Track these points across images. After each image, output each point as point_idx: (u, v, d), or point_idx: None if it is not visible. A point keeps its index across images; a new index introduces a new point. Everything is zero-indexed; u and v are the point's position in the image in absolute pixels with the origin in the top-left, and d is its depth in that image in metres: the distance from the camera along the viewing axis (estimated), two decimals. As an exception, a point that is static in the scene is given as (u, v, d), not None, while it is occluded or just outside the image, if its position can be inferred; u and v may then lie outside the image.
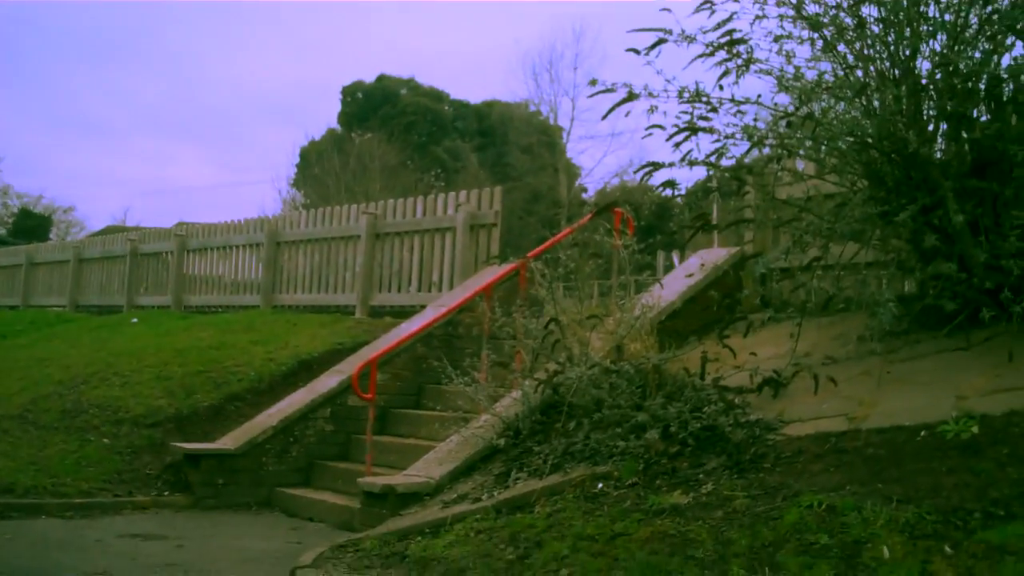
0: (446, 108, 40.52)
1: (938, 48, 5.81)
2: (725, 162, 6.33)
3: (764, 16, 6.05)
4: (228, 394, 9.12)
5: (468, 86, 79.15)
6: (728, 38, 6.09)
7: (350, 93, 40.37)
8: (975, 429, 4.41)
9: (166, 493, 7.91)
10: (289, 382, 9.26)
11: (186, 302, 15.14)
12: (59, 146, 75.71)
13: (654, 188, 21.61)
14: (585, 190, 40.26)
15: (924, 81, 5.88)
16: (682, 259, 11.06)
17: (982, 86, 5.81)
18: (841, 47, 6.07)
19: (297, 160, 38.24)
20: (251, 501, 8.01)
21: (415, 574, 4.89)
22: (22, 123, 74.60)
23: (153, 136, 77.21)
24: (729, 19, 6.05)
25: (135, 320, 14.26)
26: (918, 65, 5.88)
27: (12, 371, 11.46)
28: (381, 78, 40.23)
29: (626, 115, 6.71)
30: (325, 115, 79.24)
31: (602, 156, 71.51)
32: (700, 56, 6.13)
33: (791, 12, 6.02)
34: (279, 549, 6.34)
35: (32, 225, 43.40)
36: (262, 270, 13.68)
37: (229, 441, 8.19)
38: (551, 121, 40.86)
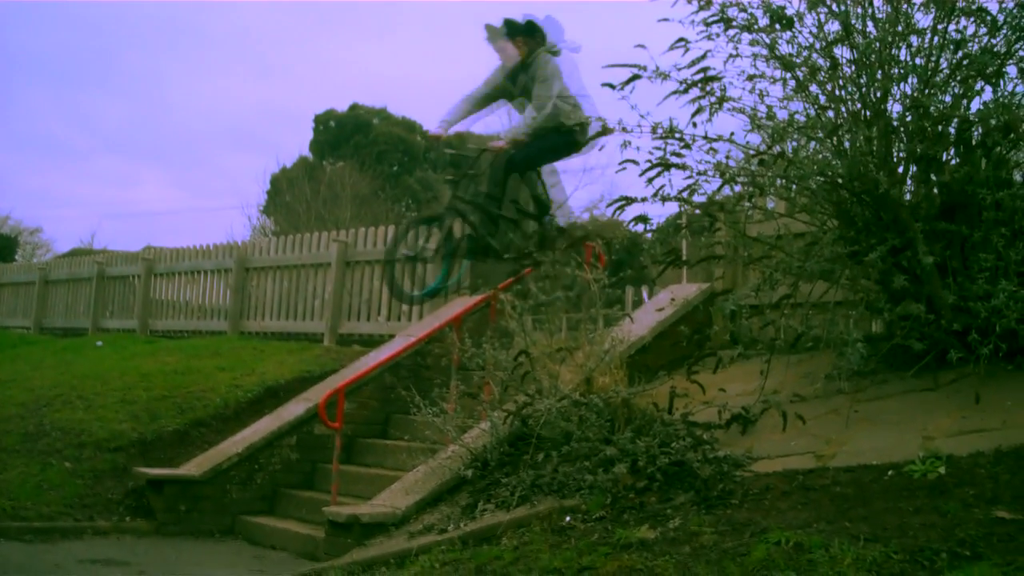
0: (419, 139, 40.53)
1: (909, 91, 5.90)
2: (697, 198, 6.38)
3: (738, 55, 6.13)
4: (193, 420, 9.02)
5: (440, 116, 79.18)
6: (702, 75, 6.14)
7: (322, 121, 40.27)
8: (942, 470, 4.44)
9: (128, 519, 7.81)
10: (255, 409, 9.17)
11: (152, 326, 15.00)
12: (23, 166, 75.02)
13: (625, 223, 21.66)
14: (556, 223, 40.36)
15: (895, 123, 5.95)
16: (651, 294, 11.11)
17: (952, 130, 5.90)
18: (813, 88, 6.14)
19: (267, 187, 38.07)
20: (214, 529, 7.91)
21: (379, 605, 4.85)
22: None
23: (116, 158, 76.52)
24: (703, 57, 6.12)
25: (100, 343, 14.11)
26: (889, 107, 5.97)
27: (-27, 393, 11.31)
28: (354, 107, 40.18)
29: (600, 149, 6.76)
30: (295, 142, 79.04)
31: (573, 190, 71.71)
32: (674, 93, 6.18)
33: (764, 52, 6.09)
34: (241, 577, 6.28)
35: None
36: (230, 296, 13.59)
37: (193, 467, 8.11)
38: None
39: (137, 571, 6.32)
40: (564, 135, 8.13)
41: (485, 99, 8.47)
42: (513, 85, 8.30)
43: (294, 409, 8.67)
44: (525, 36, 8.14)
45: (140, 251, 16.84)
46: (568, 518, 5.14)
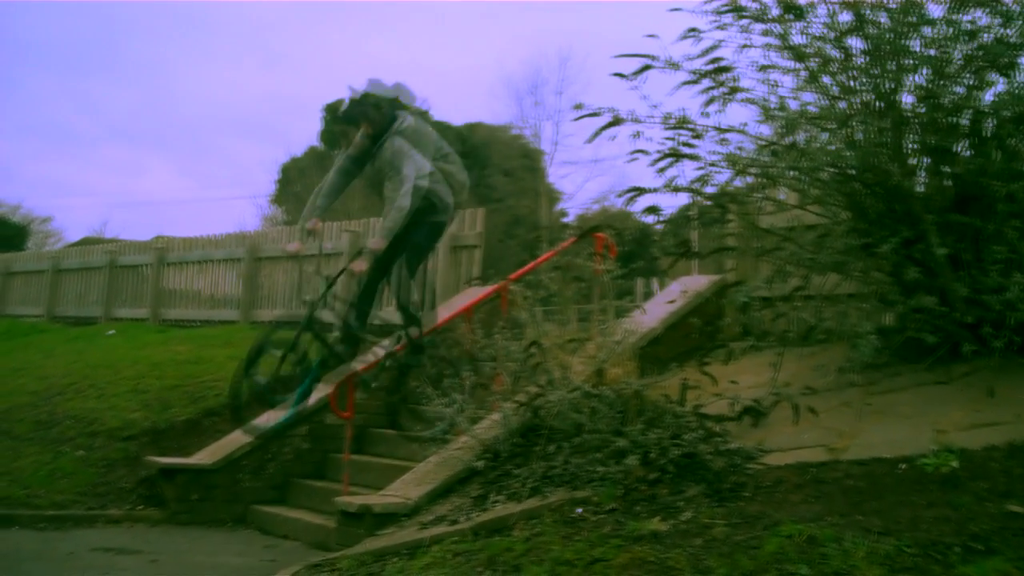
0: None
1: (922, 82, 5.87)
2: (708, 189, 6.37)
3: (750, 45, 6.10)
4: (204, 409, 9.06)
5: (451, 107, 79.19)
6: (714, 66, 6.12)
7: (332, 111, 40.22)
8: (955, 463, 4.43)
9: (140, 507, 7.85)
10: (267, 399, 9.19)
11: (164, 315, 15.05)
12: (31, 154, 75.31)
13: (635, 214, 21.63)
14: (566, 214, 40.31)
15: (907, 114, 5.92)
16: (662, 286, 11.09)
17: (965, 121, 5.86)
18: (826, 78, 6.11)
19: (278, 176, 38.09)
20: (226, 517, 7.95)
21: (391, 596, 4.86)
22: (-8, 131, 74.22)
23: (124, 147, 76.94)
24: (715, 47, 6.10)
25: (112, 332, 14.17)
26: (902, 98, 5.93)
27: (-16, 380, 11.37)
28: (364, 96, 40.13)
29: (612, 139, 6.73)
30: (304, 132, 79.16)
31: (584, 181, 71.56)
32: (685, 83, 6.16)
33: (776, 42, 6.07)
34: (253, 567, 6.30)
35: (9, 234, 42.97)
36: (241, 285, 13.62)
37: (205, 456, 8.14)
38: (534, 145, 40.93)
39: (149, 559, 6.34)
40: (428, 226, 7.52)
41: (341, 189, 7.72)
42: (368, 167, 7.54)
43: (305, 399, 8.67)
44: (368, 118, 7.43)
45: (151, 240, 16.90)
46: (579, 510, 5.13)
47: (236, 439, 8.27)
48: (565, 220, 38.68)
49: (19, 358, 12.86)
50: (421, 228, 7.46)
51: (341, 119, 7.62)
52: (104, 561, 6.27)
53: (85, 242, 30.38)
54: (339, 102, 39.66)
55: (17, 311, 18.89)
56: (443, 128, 41.03)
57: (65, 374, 10.79)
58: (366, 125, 7.39)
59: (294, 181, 35.47)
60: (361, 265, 7.27)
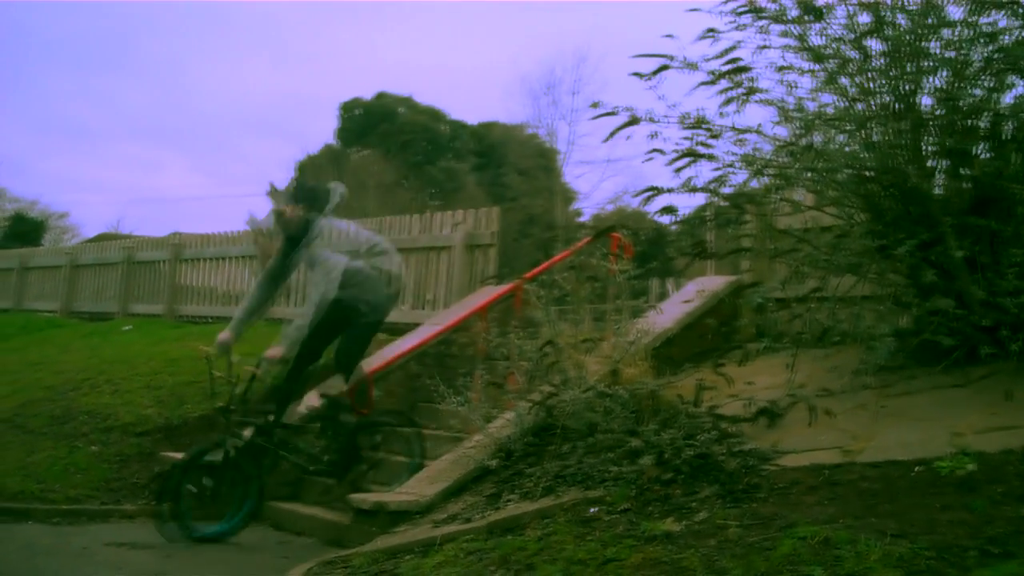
0: (444, 128, 40.53)
1: (941, 84, 5.85)
2: (725, 190, 6.36)
3: (768, 46, 6.09)
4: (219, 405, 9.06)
5: (466, 106, 79.39)
6: (731, 66, 6.11)
7: (349, 109, 40.37)
8: (971, 466, 4.40)
9: (154, 502, 7.86)
10: (283, 395, 9.19)
11: (179, 312, 15.10)
12: (47, 150, 75.75)
13: (650, 214, 21.56)
14: (580, 214, 40.37)
15: (926, 117, 5.90)
16: (677, 286, 11.08)
17: (984, 124, 5.83)
18: (844, 80, 6.09)
19: (294, 174, 38.23)
20: (239, 514, 7.94)
21: (405, 593, 4.86)
22: (9, 127, 74.65)
23: (139, 144, 77.36)
24: (733, 48, 6.08)
25: (128, 327, 14.23)
26: (920, 100, 5.91)
27: (2, 375, 11.44)
28: (380, 95, 40.22)
29: (628, 139, 6.72)
30: (319, 131, 79.40)
31: (599, 181, 71.77)
32: (703, 84, 6.14)
33: (794, 43, 6.06)
34: (267, 563, 6.32)
35: (26, 230, 43.24)
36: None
37: (219, 453, 8.14)
38: (549, 144, 41.00)
39: (163, 554, 6.36)
40: (360, 328, 7.41)
41: (264, 301, 7.72)
42: (291, 261, 7.50)
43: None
44: (303, 201, 7.25)
45: (167, 237, 16.95)
46: (593, 509, 5.13)
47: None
48: (580, 220, 38.72)
49: (35, 353, 12.94)
50: (353, 330, 7.45)
51: (284, 196, 7.39)
52: (118, 556, 6.30)
53: (101, 238, 30.55)
54: (355, 101, 39.77)
55: (34, 306, 19.02)
56: (458, 127, 41.14)
57: (81, 369, 10.84)
58: (296, 208, 7.24)
59: (309, 179, 35.63)
60: (275, 352, 7.09)
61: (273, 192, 7.66)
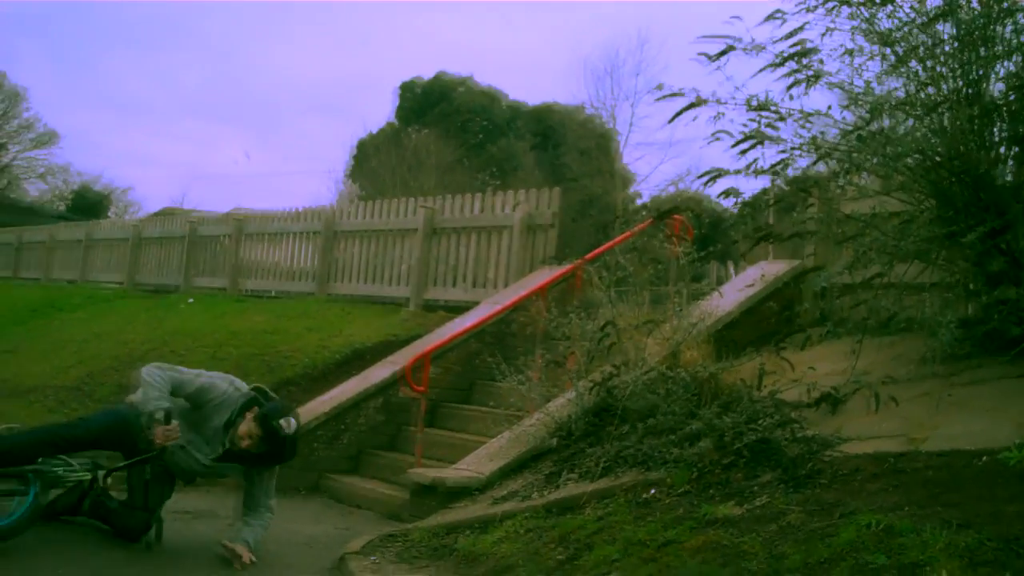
0: (503, 108, 40.44)
1: (1012, 69, 5.76)
2: (789, 173, 6.31)
3: (835, 28, 6.02)
4: (282, 378, 9.19)
5: (525, 86, 79.17)
6: (798, 48, 6.05)
7: (408, 89, 40.38)
8: (1037, 457, 4.36)
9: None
10: (342, 370, 9.33)
11: (241, 286, 15.29)
12: (110, 127, 76.93)
13: (711, 198, 21.38)
14: (639, 196, 40.15)
15: (997, 102, 5.81)
16: (737, 270, 11.01)
17: (1057, 111, 5.74)
18: (913, 64, 6.01)
19: (355, 152, 38.40)
20: (300, 486, 8.08)
21: (464, 568, 4.93)
22: (73, 103, 75.80)
23: (199, 121, 78.43)
24: (800, 29, 6.01)
25: (191, 300, 14.44)
26: (990, 86, 5.82)
27: (69, 344, 11.68)
28: (439, 75, 40.19)
29: (693, 120, 6.68)
30: (376, 110, 79.84)
31: (659, 163, 71.33)
32: (769, 66, 6.09)
33: (863, 26, 5.98)
34: (328, 534, 6.42)
35: (90, 203, 44.08)
36: (317, 259, 13.78)
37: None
38: (608, 126, 40.77)
39: (226, 523, 6.47)
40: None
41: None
42: None
43: (380, 372, 8.79)
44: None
45: (230, 212, 17.15)
46: (652, 491, 5.15)
47: (312, 408, 8.39)
48: (639, 202, 38.52)
49: (101, 324, 13.17)
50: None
51: None
52: (182, 525, 6.43)
53: (164, 212, 30.98)
54: (414, 81, 39.81)
55: (99, 277, 19.38)
56: (515, 108, 41.05)
57: (145, 340, 11.03)
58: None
59: (370, 157, 35.79)
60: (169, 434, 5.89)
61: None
